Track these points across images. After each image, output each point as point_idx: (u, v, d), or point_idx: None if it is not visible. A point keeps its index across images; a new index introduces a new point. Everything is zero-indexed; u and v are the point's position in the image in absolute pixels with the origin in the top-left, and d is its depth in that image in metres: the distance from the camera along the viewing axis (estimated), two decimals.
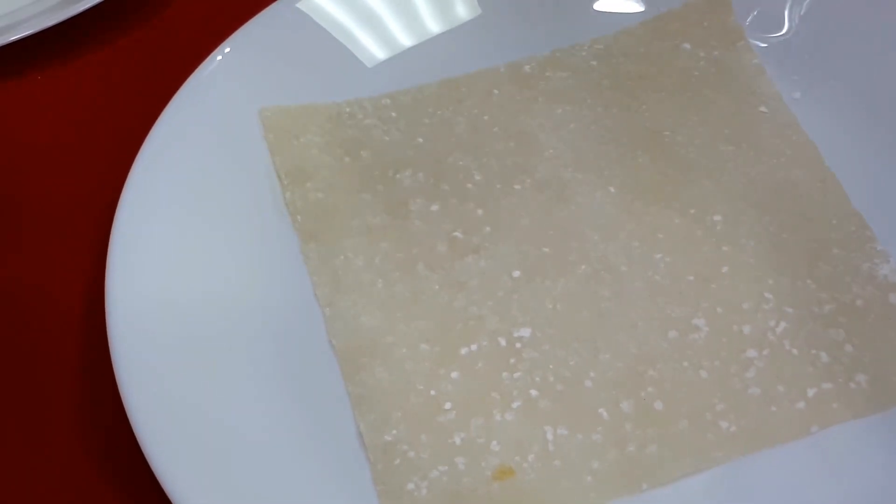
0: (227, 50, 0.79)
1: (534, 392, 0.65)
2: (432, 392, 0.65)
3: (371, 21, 0.84)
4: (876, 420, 0.63)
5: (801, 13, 0.83)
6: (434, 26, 0.84)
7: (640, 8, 0.85)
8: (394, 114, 0.80)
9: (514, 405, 0.64)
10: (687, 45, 0.83)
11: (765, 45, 0.83)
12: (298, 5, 0.82)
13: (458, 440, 0.63)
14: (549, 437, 0.63)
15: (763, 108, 0.79)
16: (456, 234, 0.72)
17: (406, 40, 0.84)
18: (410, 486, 0.61)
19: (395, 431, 0.63)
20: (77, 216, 0.78)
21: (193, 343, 0.65)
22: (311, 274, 0.70)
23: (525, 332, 0.68)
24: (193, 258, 0.69)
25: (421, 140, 0.78)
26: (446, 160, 0.77)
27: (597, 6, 0.85)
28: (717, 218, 0.72)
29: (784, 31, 0.83)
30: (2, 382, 0.70)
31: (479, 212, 0.74)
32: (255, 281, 0.70)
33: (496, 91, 0.81)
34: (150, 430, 0.60)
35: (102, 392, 0.67)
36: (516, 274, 0.70)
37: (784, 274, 0.70)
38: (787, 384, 0.64)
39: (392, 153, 0.77)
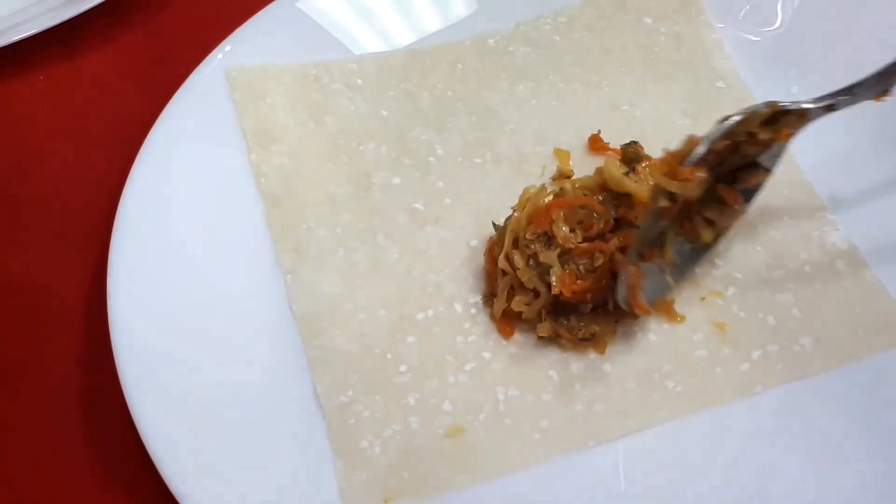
0: (228, 48, 0.81)
1: (487, 355, 0.67)
2: (389, 355, 0.67)
3: None
4: (820, 381, 0.65)
5: (794, 7, 0.84)
6: None
7: None
8: (359, 81, 0.81)
9: (468, 367, 0.66)
10: (648, 20, 0.84)
11: (757, 38, 0.83)
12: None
13: (412, 401, 0.65)
14: (501, 397, 0.65)
15: (720, 84, 0.81)
16: (416, 205, 0.74)
17: (375, 6, 0.85)
18: (364, 443, 0.63)
19: (350, 392, 0.65)
20: (78, 213, 0.79)
21: (187, 324, 0.67)
22: (275, 241, 0.72)
23: (480, 298, 0.69)
24: (192, 250, 0.71)
25: (385, 113, 0.80)
26: (409, 134, 0.79)
27: None
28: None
29: (777, 24, 0.84)
30: (4, 378, 0.71)
31: (440, 184, 0.75)
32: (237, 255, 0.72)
33: (460, 65, 0.83)
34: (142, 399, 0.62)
35: (102, 380, 0.68)
36: (474, 243, 0.72)
37: (735, 242, 0.71)
38: (732, 346, 0.66)
39: (356, 124, 0.79)
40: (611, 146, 0.76)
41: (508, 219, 0.69)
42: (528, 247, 0.66)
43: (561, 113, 0.80)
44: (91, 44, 0.91)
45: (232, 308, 0.69)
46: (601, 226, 0.66)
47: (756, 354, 0.66)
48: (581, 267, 0.65)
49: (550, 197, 0.67)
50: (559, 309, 0.67)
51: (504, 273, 0.67)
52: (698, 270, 0.70)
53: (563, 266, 0.65)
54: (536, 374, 0.66)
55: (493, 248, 0.69)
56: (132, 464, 0.64)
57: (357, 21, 0.84)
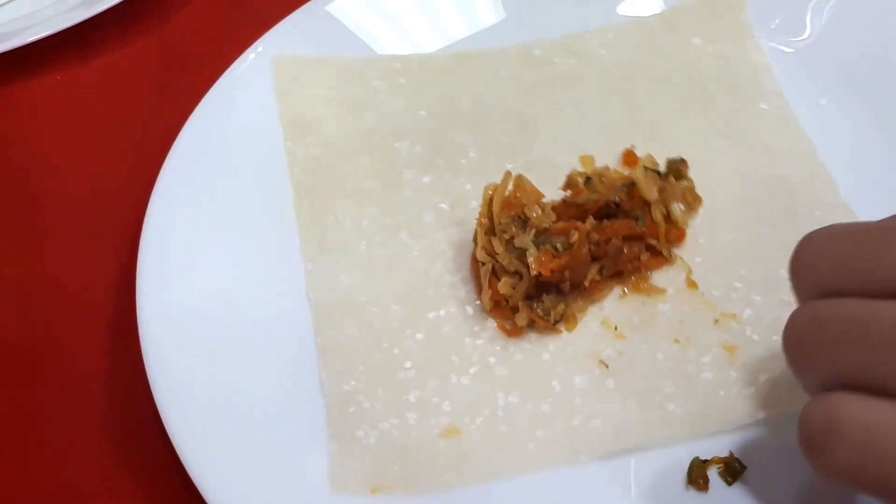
0: (260, 49, 0.83)
1: (492, 359, 0.67)
2: (396, 350, 0.68)
3: None
4: None
5: (823, 20, 0.84)
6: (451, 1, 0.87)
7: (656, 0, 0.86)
8: (402, 80, 0.83)
9: (472, 370, 0.67)
10: (697, 40, 0.84)
11: (791, 49, 0.83)
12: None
13: (412, 397, 0.66)
14: (501, 402, 0.65)
15: (763, 105, 0.80)
16: (443, 205, 0.75)
17: (421, 11, 0.87)
18: (360, 433, 0.64)
19: (354, 382, 0.66)
20: (101, 215, 0.80)
21: (218, 332, 0.68)
22: (300, 230, 0.74)
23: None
24: (220, 252, 0.72)
25: (424, 113, 0.81)
26: (445, 135, 0.80)
27: None
28: (700, 210, 0.74)
29: (805, 35, 0.84)
30: (29, 380, 0.72)
31: (468, 186, 0.76)
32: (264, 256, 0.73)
33: (504, 72, 0.83)
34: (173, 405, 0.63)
35: (129, 379, 0.69)
36: None
37: (757, 265, 0.71)
38: (740, 370, 0.66)
39: (394, 121, 0.80)
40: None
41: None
42: (504, 231, 0.67)
43: (598, 125, 0.80)
44: (107, 45, 0.92)
45: (253, 297, 0.70)
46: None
47: (763, 378, 0.65)
48: (558, 245, 0.66)
49: (511, 186, 0.69)
50: (541, 289, 0.67)
51: (483, 264, 0.68)
52: (716, 293, 0.69)
53: (538, 247, 0.66)
54: (539, 383, 0.66)
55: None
56: (158, 463, 0.66)
57: (398, 25, 0.86)
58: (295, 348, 0.68)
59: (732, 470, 0.61)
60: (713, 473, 0.62)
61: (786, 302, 0.67)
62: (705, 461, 0.62)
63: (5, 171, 0.84)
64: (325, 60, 0.82)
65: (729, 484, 0.61)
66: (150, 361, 0.65)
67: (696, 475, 0.61)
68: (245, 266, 0.72)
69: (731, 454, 0.62)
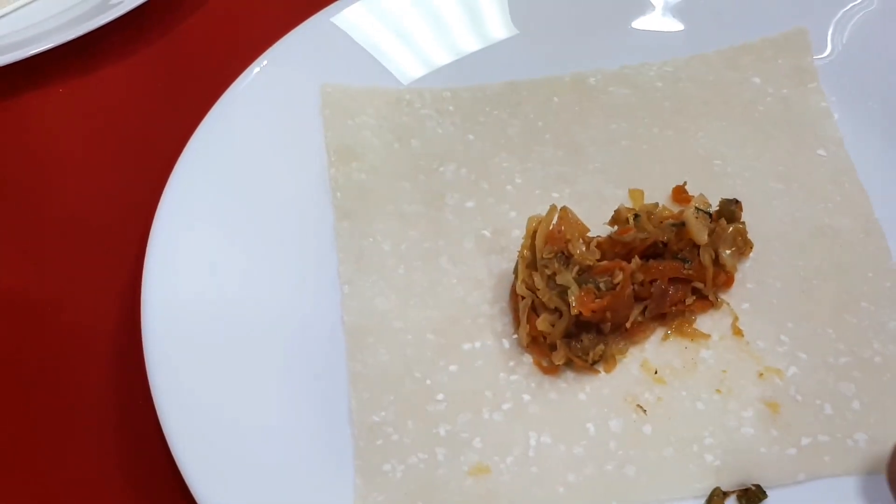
0: (265, 62, 0.81)
1: (526, 397, 0.66)
2: (428, 381, 0.66)
3: (439, 23, 0.86)
4: (867, 480, 0.62)
5: (844, 39, 0.82)
6: (503, 31, 0.85)
7: (716, 35, 0.83)
8: (451, 107, 0.81)
9: (505, 406, 0.65)
10: (757, 80, 0.82)
11: None
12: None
13: (442, 431, 0.64)
14: (532, 442, 0.64)
15: (821, 152, 0.77)
16: (485, 232, 0.74)
17: (475, 43, 0.85)
18: (387, 467, 0.62)
19: (384, 413, 0.65)
20: (104, 229, 0.79)
21: (224, 334, 0.67)
22: (339, 251, 0.73)
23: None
24: (230, 269, 0.71)
25: (472, 137, 0.79)
26: (492, 160, 0.78)
27: (672, 28, 0.84)
28: (750, 255, 0.71)
29: (826, 53, 0.82)
30: (33, 391, 0.71)
31: (512, 214, 0.75)
32: (290, 265, 0.72)
33: (556, 99, 0.82)
34: (175, 417, 0.62)
35: (132, 394, 0.69)
36: None
37: (805, 319, 0.68)
38: (782, 429, 0.63)
39: (441, 145, 0.79)
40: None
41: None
42: (546, 266, 0.65)
43: (650, 158, 0.78)
44: (110, 57, 0.91)
45: (267, 318, 0.69)
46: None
47: (805, 441, 0.63)
48: (602, 284, 0.64)
49: (555, 219, 0.67)
50: (581, 328, 0.66)
51: (522, 298, 0.66)
52: (762, 344, 0.67)
53: (580, 285, 0.64)
54: (573, 424, 0.64)
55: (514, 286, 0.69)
56: (160, 474, 0.65)
57: (436, 30, 0.85)
58: (322, 373, 0.67)
59: (752, 497, 0.60)
60: (731, 501, 0.61)
61: (831, 365, 0.66)
62: (726, 493, 0.61)
63: (8, 184, 0.83)
64: (375, 90, 0.81)
65: None
66: (157, 384, 0.63)
67: None
68: (257, 285, 0.70)
69: (756, 486, 0.61)
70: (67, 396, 0.70)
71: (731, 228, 0.70)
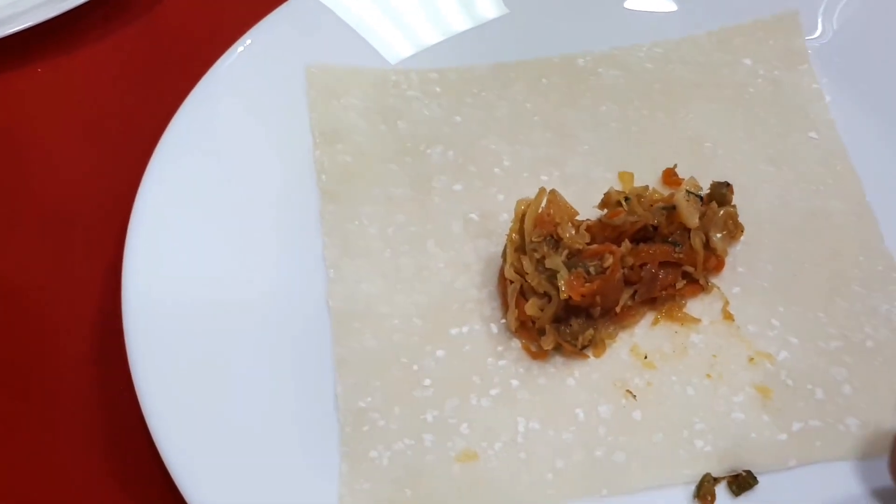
0: (249, 41, 0.79)
1: (515, 382, 0.65)
2: (415, 367, 0.65)
3: (427, 1, 0.84)
4: (858, 465, 0.61)
5: (835, 21, 0.81)
6: (492, 11, 0.84)
7: (708, 17, 0.82)
8: (438, 89, 0.80)
9: (493, 392, 0.64)
10: (748, 61, 0.81)
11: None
12: None
13: (429, 417, 0.63)
14: (521, 428, 0.63)
15: (813, 134, 0.76)
16: (472, 215, 0.73)
17: (464, 22, 0.83)
18: (374, 453, 0.62)
19: (370, 399, 0.64)
20: (83, 208, 0.78)
21: (208, 321, 0.66)
22: (324, 235, 0.71)
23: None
24: (210, 252, 0.70)
25: (459, 119, 0.78)
26: (479, 142, 0.77)
27: (664, 9, 0.83)
28: (741, 238, 0.71)
29: (817, 34, 0.81)
30: (15, 383, 0.70)
31: (500, 197, 0.73)
32: (275, 248, 0.71)
33: (545, 80, 0.80)
34: (158, 406, 0.61)
35: (115, 384, 0.67)
36: None
37: (796, 303, 0.68)
38: (773, 414, 0.63)
39: (428, 127, 0.78)
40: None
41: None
42: (535, 250, 0.64)
43: (639, 140, 0.77)
44: (90, 36, 0.89)
45: (249, 301, 0.68)
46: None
47: (797, 426, 0.62)
48: (591, 269, 0.63)
49: (544, 202, 0.66)
50: (570, 312, 0.65)
51: (511, 282, 0.65)
52: (752, 328, 0.67)
53: (570, 269, 0.63)
54: (562, 410, 0.63)
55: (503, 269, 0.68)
56: (145, 469, 0.64)
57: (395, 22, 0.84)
58: (308, 358, 0.66)
59: (742, 483, 0.60)
60: (721, 488, 0.60)
61: (823, 350, 0.65)
62: (716, 479, 0.60)
63: None
64: (360, 71, 0.79)
65: (735, 495, 0.60)
66: (138, 370, 0.62)
67: (705, 491, 0.60)
68: (240, 270, 0.69)
69: (747, 472, 0.60)
70: (48, 390, 0.69)
71: (721, 212, 0.69)
